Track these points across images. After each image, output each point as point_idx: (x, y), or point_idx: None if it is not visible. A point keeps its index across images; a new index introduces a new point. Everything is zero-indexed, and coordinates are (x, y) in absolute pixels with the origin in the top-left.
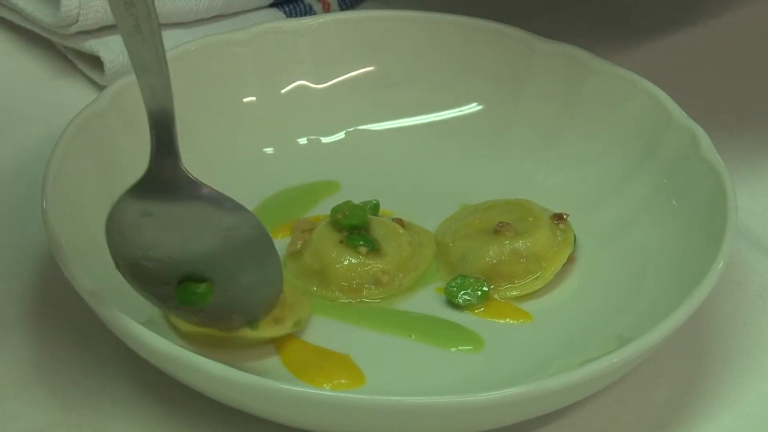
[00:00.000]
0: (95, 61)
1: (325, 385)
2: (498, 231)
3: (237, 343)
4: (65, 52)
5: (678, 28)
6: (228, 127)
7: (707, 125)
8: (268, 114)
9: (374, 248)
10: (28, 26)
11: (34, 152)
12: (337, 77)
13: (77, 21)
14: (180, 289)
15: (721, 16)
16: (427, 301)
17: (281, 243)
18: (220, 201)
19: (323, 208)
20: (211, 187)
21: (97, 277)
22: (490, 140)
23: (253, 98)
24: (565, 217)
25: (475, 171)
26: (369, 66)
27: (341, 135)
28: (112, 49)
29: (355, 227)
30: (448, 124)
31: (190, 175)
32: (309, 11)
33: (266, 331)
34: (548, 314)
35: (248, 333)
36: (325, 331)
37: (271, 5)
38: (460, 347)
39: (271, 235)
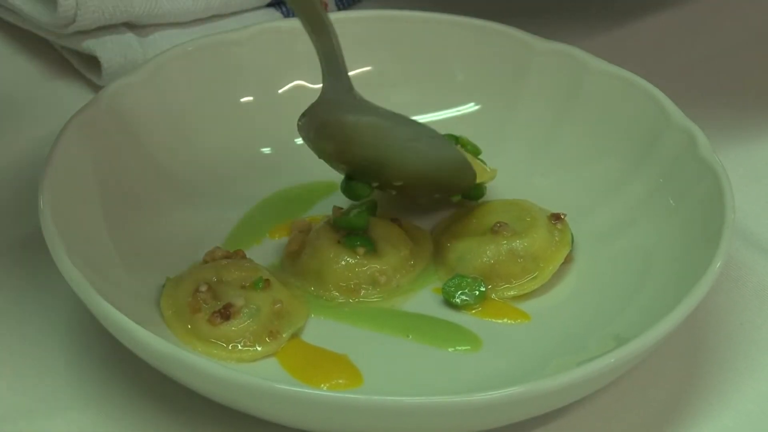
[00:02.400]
0: (92, 62)
1: (322, 385)
2: (495, 231)
3: (234, 358)
4: (62, 52)
5: (677, 28)
6: (225, 128)
7: (705, 125)
8: (266, 114)
9: (372, 248)
10: (25, 26)
11: (32, 153)
12: None
13: (74, 21)
14: (346, 186)
15: (721, 16)
16: (424, 301)
17: (279, 243)
18: (393, 117)
19: (321, 209)
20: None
21: (95, 278)
22: (488, 140)
23: (251, 98)
24: (562, 216)
25: None
26: (366, 66)
27: None
28: (109, 50)
29: (357, 228)
30: (445, 124)
31: (363, 98)
32: None
33: (262, 349)
34: (546, 314)
35: (243, 354)
36: (322, 332)
37: (269, 5)
38: (457, 347)
39: (268, 235)
